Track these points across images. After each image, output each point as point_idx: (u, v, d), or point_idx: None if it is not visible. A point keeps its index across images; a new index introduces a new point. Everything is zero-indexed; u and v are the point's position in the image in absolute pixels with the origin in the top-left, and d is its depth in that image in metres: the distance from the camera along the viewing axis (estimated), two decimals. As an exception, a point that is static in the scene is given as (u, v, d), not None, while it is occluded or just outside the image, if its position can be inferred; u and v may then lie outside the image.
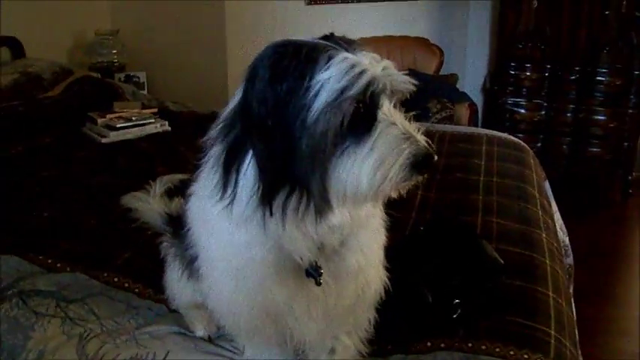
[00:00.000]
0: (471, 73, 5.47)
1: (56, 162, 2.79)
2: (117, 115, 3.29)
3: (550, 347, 1.53)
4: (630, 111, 4.65)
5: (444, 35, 5.28)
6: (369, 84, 1.02)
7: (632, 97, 4.62)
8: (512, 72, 4.88)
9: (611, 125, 4.68)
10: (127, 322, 1.65)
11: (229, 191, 1.09)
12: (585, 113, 4.74)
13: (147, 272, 1.84)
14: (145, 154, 2.96)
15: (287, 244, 1.14)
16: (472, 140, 3.14)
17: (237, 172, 1.08)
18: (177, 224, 1.57)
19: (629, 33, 4.51)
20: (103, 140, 3.13)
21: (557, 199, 2.97)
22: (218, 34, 4.33)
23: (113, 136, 3.14)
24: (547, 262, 1.96)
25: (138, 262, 1.93)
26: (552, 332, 1.59)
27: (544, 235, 2.15)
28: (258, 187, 1.05)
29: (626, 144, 4.73)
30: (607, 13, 4.52)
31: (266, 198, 1.05)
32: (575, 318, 1.91)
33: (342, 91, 0.99)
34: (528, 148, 3.19)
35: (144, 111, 3.41)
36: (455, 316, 1.59)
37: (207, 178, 1.18)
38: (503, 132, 3.65)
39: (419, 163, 1.03)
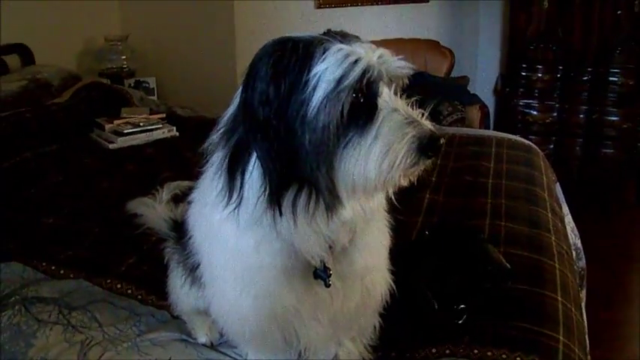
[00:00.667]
0: (483, 76, 5.44)
1: (63, 168, 2.80)
2: (124, 120, 3.29)
3: (558, 353, 1.50)
4: (643, 111, 4.59)
5: (454, 37, 5.25)
6: (364, 72, 1.01)
7: (645, 97, 4.57)
8: (524, 73, 4.84)
9: (625, 126, 4.62)
10: (129, 329, 1.64)
11: (235, 195, 1.08)
12: (598, 114, 4.69)
13: (150, 278, 1.84)
14: (153, 160, 2.97)
15: (299, 244, 1.12)
16: (481, 143, 3.11)
17: (243, 175, 1.07)
18: (182, 230, 1.56)
19: (642, 33, 4.47)
20: (111, 146, 3.13)
21: (570, 201, 2.93)
22: (227, 40, 4.33)
23: (121, 142, 3.15)
24: (556, 265, 1.92)
25: (141, 269, 1.92)
26: (560, 338, 1.56)
27: (553, 239, 2.11)
28: (265, 188, 1.04)
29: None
30: (619, 12, 4.48)
31: (274, 198, 1.04)
32: (585, 323, 1.88)
33: (339, 81, 0.99)
34: (538, 149, 3.16)
35: (151, 116, 3.42)
36: (460, 321, 1.57)
37: (210, 184, 1.17)
38: (516, 134, 3.62)
39: (425, 146, 1.02)
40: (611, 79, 4.60)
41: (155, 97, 4.41)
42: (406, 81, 1.11)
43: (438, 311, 1.58)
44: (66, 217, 2.29)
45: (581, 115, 4.75)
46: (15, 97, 3.28)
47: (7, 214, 2.31)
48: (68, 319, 1.67)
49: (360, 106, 1.02)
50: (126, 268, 1.93)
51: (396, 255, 1.37)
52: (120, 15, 4.73)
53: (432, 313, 1.58)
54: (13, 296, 1.76)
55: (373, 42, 1.11)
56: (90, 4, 4.40)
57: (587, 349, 1.73)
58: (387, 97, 1.05)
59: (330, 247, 1.16)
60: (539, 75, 4.81)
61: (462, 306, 1.57)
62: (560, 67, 4.76)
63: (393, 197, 1.18)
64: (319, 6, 4.50)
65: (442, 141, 1.04)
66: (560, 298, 1.74)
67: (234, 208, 1.09)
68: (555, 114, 4.83)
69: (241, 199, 1.08)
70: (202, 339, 1.61)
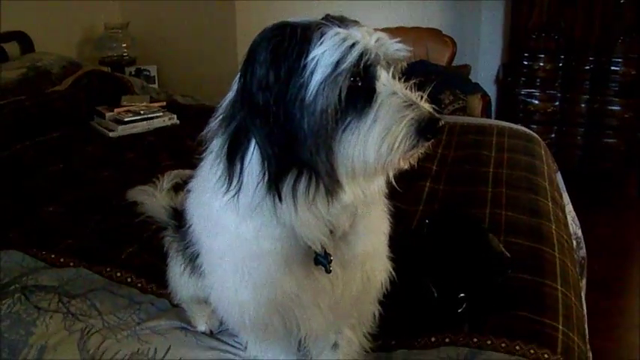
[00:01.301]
0: (484, 64, 5.41)
1: (63, 157, 2.79)
2: (125, 109, 3.29)
3: (557, 342, 1.50)
4: (646, 101, 4.57)
5: (456, 26, 5.22)
6: (361, 55, 1.00)
7: (647, 86, 4.54)
8: (526, 63, 4.81)
9: (626, 116, 4.60)
10: (129, 318, 1.65)
11: (235, 182, 1.07)
12: (600, 104, 4.66)
13: (150, 267, 1.84)
14: (153, 148, 2.96)
15: (300, 230, 1.11)
16: (482, 132, 3.10)
17: (242, 161, 1.06)
18: (182, 218, 1.55)
19: (645, 22, 4.44)
20: (111, 134, 3.13)
21: (571, 190, 2.93)
22: (229, 27, 4.31)
23: (121, 130, 3.15)
24: (556, 255, 1.92)
25: (141, 257, 1.92)
26: (560, 327, 1.56)
27: (554, 228, 2.11)
28: (265, 174, 1.03)
29: (641, 134, 4.65)
30: (622, 1, 4.44)
31: (273, 184, 1.04)
32: (585, 312, 1.88)
33: (336, 64, 0.98)
34: (539, 138, 3.15)
35: (152, 104, 3.42)
36: (460, 310, 1.57)
37: (209, 172, 1.16)
38: (517, 123, 3.61)
39: (424, 128, 1.01)
40: (613, 68, 4.57)
41: (156, 85, 4.40)
42: (404, 64, 1.11)
43: (437, 300, 1.57)
44: (66, 205, 2.29)
45: (583, 105, 4.73)
46: (15, 85, 3.26)
47: (7, 202, 2.31)
48: (68, 307, 1.68)
49: (358, 90, 1.01)
50: (126, 256, 1.93)
51: (397, 243, 1.37)
52: (120, 2, 4.71)
53: (432, 301, 1.58)
54: (13, 284, 1.76)
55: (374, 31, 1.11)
56: (90, -9, 4.39)
57: (587, 338, 1.73)
58: (385, 80, 1.05)
59: (332, 232, 1.15)
60: (541, 64, 4.79)
61: (462, 295, 1.57)
62: (562, 57, 4.73)
63: (394, 184, 1.17)
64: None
65: (441, 123, 1.03)
66: (560, 288, 1.74)
67: (234, 195, 1.08)
68: (557, 103, 4.81)
69: (241, 185, 1.07)
70: (202, 327, 1.61)
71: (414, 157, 1.07)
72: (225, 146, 1.08)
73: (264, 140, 1.01)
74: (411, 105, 1.03)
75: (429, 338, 1.53)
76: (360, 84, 1.02)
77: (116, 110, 3.26)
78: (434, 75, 4.40)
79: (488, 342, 1.49)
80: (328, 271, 1.18)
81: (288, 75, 1.00)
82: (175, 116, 3.36)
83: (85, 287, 1.76)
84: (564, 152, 4.64)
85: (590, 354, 1.69)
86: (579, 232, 2.77)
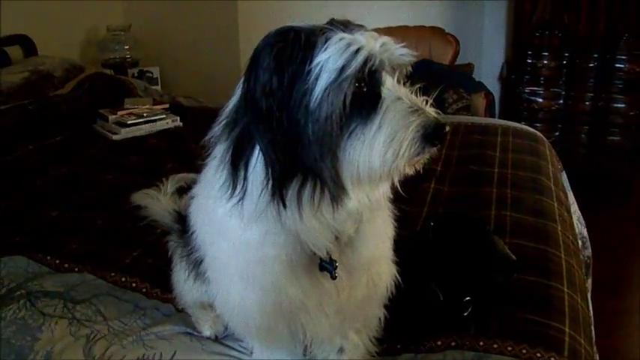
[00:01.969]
0: (488, 63, 5.40)
1: (67, 160, 2.79)
2: (128, 111, 3.28)
3: (564, 345, 1.50)
4: (651, 98, 4.55)
5: (459, 25, 5.20)
6: (366, 61, 1.00)
7: (652, 84, 4.53)
8: (530, 60, 4.80)
9: (631, 113, 4.58)
10: (134, 323, 1.64)
11: (239, 188, 1.07)
12: (604, 101, 4.65)
13: (155, 271, 1.83)
14: (157, 151, 2.96)
15: (304, 236, 1.11)
16: (486, 131, 3.09)
17: (246, 167, 1.06)
18: (186, 223, 1.55)
19: (650, 18, 4.42)
20: (114, 137, 3.12)
21: (576, 189, 2.92)
22: (231, 28, 4.31)
23: (124, 133, 3.14)
24: (562, 256, 1.91)
25: (146, 261, 1.92)
26: (567, 329, 1.55)
27: (559, 229, 2.10)
28: (269, 181, 1.03)
29: (646, 132, 4.63)
30: (626, -2, 4.43)
31: (277, 190, 1.03)
32: (591, 313, 1.87)
33: (341, 70, 0.98)
34: (544, 138, 3.13)
35: (155, 107, 3.41)
36: (466, 313, 1.56)
37: (213, 178, 1.16)
38: (521, 122, 3.61)
39: (430, 135, 1.01)
40: (617, 65, 4.55)
41: (159, 87, 4.39)
42: (409, 69, 1.10)
43: (443, 303, 1.57)
44: (70, 209, 2.29)
45: (587, 103, 4.71)
46: (17, 89, 3.27)
47: (11, 207, 2.31)
48: (73, 312, 1.67)
49: (363, 96, 1.01)
50: (130, 261, 1.92)
51: (401, 246, 1.36)
52: (122, 4, 4.71)
53: (438, 305, 1.57)
54: (18, 290, 1.76)
55: (377, 30, 1.10)
56: (92, -6, 4.39)
57: (593, 340, 1.72)
58: (390, 85, 1.05)
59: (337, 238, 1.15)
60: (545, 62, 4.78)
61: (468, 298, 1.56)
62: (566, 54, 4.71)
63: (398, 187, 1.17)
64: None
65: (447, 129, 1.03)
66: (566, 290, 1.73)
67: (238, 201, 1.08)
68: (561, 101, 4.80)
69: (245, 191, 1.07)
70: (207, 332, 1.61)
71: (420, 162, 1.07)
72: (229, 152, 1.07)
73: (268, 146, 1.01)
74: (417, 110, 1.02)
75: (434, 342, 1.52)
76: (365, 89, 1.01)
77: (119, 113, 3.26)
78: (437, 74, 4.39)
79: (495, 345, 1.48)
80: (334, 278, 1.18)
81: (292, 81, 0.99)
82: (178, 118, 3.36)
83: (90, 292, 1.76)
84: (568, 150, 4.63)
85: (597, 356, 1.68)
86: (585, 232, 2.76)
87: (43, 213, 2.25)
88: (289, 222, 1.07)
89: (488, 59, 5.40)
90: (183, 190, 2.07)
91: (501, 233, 1.94)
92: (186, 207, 1.81)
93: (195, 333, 1.61)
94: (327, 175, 1.02)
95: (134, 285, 1.81)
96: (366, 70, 1.00)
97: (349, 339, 1.43)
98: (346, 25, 1.06)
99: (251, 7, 4.30)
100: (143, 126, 3.22)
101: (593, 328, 1.78)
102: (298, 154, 1.01)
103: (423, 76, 4.29)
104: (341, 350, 1.43)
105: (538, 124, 4.52)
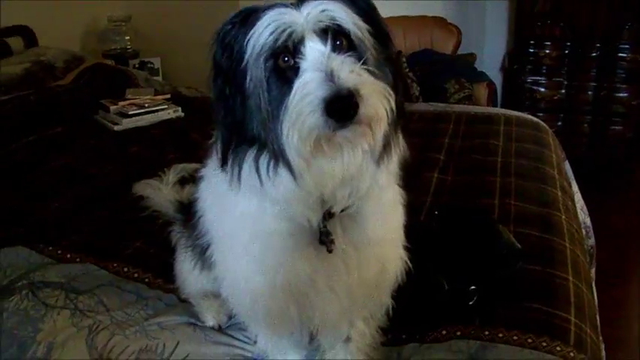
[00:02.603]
0: (490, 52, 5.37)
1: (68, 151, 2.78)
2: (129, 102, 3.27)
3: (570, 334, 1.49)
4: (654, 87, 4.53)
5: (461, 14, 5.17)
6: (286, 34, 1.00)
7: (655, 73, 4.50)
8: (532, 50, 4.77)
9: (633, 103, 4.56)
10: (137, 313, 1.64)
11: (229, 163, 1.10)
12: (606, 91, 4.62)
13: (157, 262, 1.83)
14: (158, 141, 2.94)
15: (284, 205, 1.10)
16: (490, 121, 3.08)
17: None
18: (189, 212, 1.55)
19: (653, 7, 4.40)
20: (116, 128, 3.11)
21: (578, 178, 2.91)
22: (231, 18, 4.28)
23: (126, 124, 3.13)
24: (567, 245, 1.90)
25: (148, 252, 1.91)
26: (572, 318, 1.55)
27: (564, 218, 2.09)
28: (224, 152, 1.09)
29: (648, 121, 4.62)
30: (629, -13, 4.41)
31: (224, 159, 1.10)
32: (596, 302, 1.87)
33: (261, 47, 1.00)
34: (547, 127, 3.12)
35: (156, 97, 3.40)
36: (471, 303, 1.55)
37: (215, 157, 1.18)
38: (523, 111, 3.59)
39: (330, 110, 0.94)
40: (620, 54, 4.52)
41: (160, 78, 4.38)
42: (339, 28, 1.03)
43: (448, 292, 1.56)
44: (71, 200, 2.28)
45: (590, 92, 4.69)
46: (18, 80, 3.26)
47: (12, 197, 2.31)
48: (75, 303, 1.67)
49: (284, 70, 1.01)
50: (132, 251, 1.92)
51: (406, 235, 1.35)
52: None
53: (443, 294, 1.56)
54: (20, 281, 1.76)
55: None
56: (92, -16, 4.37)
57: (599, 329, 1.71)
58: (315, 56, 0.99)
59: (333, 213, 1.14)
60: (547, 51, 4.75)
61: (473, 287, 1.55)
62: (568, 44, 4.68)
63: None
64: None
65: (353, 100, 0.94)
66: (571, 279, 1.72)
67: (231, 176, 1.10)
68: (563, 91, 4.77)
69: (240, 166, 1.09)
70: (210, 322, 1.60)
71: (335, 140, 1.00)
72: (219, 129, 1.12)
73: (220, 122, 1.09)
74: (329, 81, 0.95)
75: (439, 331, 1.52)
76: (289, 64, 1.01)
77: (120, 103, 3.24)
78: (439, 64, 4.38)
79: (500, 335, 1.47)
80: (329, 251, 1.17)
81: (236, 60, 1.04)
82: (180, 109, 3.34)
83: (92, 283, 1.76)
84: (571, 140, 4.60)
85: (602, 345, 1.68)
86: (588, 221, 2.75)
87: (44, 204, 2.24)
88: (270, 191, 1.07)
89: (490, 49, 5.37)
90: (185, 181, 2.07)
91: (505, 222, 1.93)
92: (188, 197, 1.81)
93: (199, 323, 1.61)
94: (270, 147, 1.03)
95: (136, 275, 1.80)
96: (290, 44, 1.00)
97: (356, 327, 1.42)
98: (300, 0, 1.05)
99: (252, -2, 4.27)
100: (145, 116, 3.21)
101: (598, 317, 1.77)
102: (245, 128, 1.05)
103: (425, 65, 4.29)
104: (347, 340, 1.43)
105: (540, 114, 4.48)
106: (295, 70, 1.00)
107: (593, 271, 2.54)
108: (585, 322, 1.57)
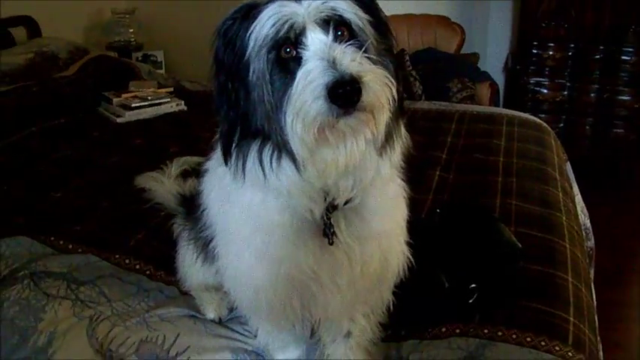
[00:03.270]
0: (493, 53, 5.37)
1: (71, 142, 2.79)
2: (132, 94, 3.28)
3: (568, 334, 1.49)
4: (656, 91, 4.53)
5: (465, 14, 5.17)
6: (288, 24, 1.00)
7: (658, 77, 4.50)
8: (535, 51, 4.77)
9: (636, 106, 4.55)
10: (138, 305, 1.64)
11: (233, 156, 1.10)
12: (609, 93, 4.62)
13: (159, 254, 1.83)
14: (161, 134, 2.95)
15: (287, 198, 1.11)
16: (492, 120, 3.08)
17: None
18: (191, 205, 1.55)
19: (657, 11, 4.39)
20: (119, 120, 3.12)
21: (580, 180, 2.91)
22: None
23: (128, 116, 3.14)
24: (567, 246, 1.91)
25: (150, 244, 1.92)
26: (571, 319, 1.55)
27: (564, 218, 2.10)
28: (227, 145, 1.10)
29: (651, 125, 4.62)
30: (633, -11, 4.40)
31: (227, 153, 1.11)
32: (595, 303, 1.87)
33: (263, 39, 1.00)
34: (550, 128, 3.13)
35: (159, 90, 3.40)
36: (471, 301, 1.56)
37: (220, 150, 1.18)
38: (525, 112, 3.59)
39: (332, 96, 0.94)
40: (623, 57, 4.52)
41: (163, 71, 4.39)
42: (340, 18, 1.04)
43: (448, 290, 1.56)
44: (74, 191, 2.29)
45: (592, 94, 4.68)
46: (21, 71, 3.26)
47: (15, 188, 2.31)
48: (77, 293, 1.68)
49: (286, 61, 1.02)
50: (134, 243, 1.92)
51: (408, 231, 1.35)
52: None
53: (443, 292, 1.56)
54: (22, 271, 1.76)
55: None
56: (97, -24, 4.36)
57: (597, 329, 1.72)
58: (317, 46, 1.00)
59: (336, 206, 1.14)
60: (550, 53, 4.74)
61: (473, 285, 1.56)
62: (572, 45, 4.68)
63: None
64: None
65: (356, 85, 0.95)
66: (570, 279, 1.73)
67: (235, 169, 1.11)
68: (566, 92, 4.77)
69: (244, 158, 1.09)
70: (211, 315, 1.61)
71: (339, 128, 1.00)
72: (221, 124, 1.13)
73: (223, 117, 1.09)
74: (330, 68, 0.96)
75: (439, 329, 1.52)
76: (291, 55, 1.01)
77: (123, 96, 3.25)
78: (442, 62, 4.38)
79: (499, 333, 1.48)
80: (330, 243, 1.17)
81: (238, 54, 1.04)
82: (183, 102, 3.35)
83: (94, 274, 1.76)
84: (572, 142, 4.59)
85: (600, 345, 1.68)
86: (588, 223, 2.76)
87: (46, 194, 2.25)
88: (272, 183, 1.08)
89: (493, 49, 5.37)
90: (188, 174, 2.07)
91: (506, 222, 1.93)
92: (191, 189, 1.82)
93: (199, 315, 1.61)
94: (273, 139, 1.04)
95: (138, 267, 1.81)
96: (292, 35, 1.00)
97: (357, 323, 1.42)
98: None
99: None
100: (147, 109, 3.22)
101: (596, 317, 1.77)
102: (249, 121, 1.06)
103: (428, 64, 4.28)
104: (348, 335, 1.43)
105: (542, 115, 4.48)
106: (297, 61, 1.00)
107: (592, 272, 2.54)
108: (584, 322, 1.58)
